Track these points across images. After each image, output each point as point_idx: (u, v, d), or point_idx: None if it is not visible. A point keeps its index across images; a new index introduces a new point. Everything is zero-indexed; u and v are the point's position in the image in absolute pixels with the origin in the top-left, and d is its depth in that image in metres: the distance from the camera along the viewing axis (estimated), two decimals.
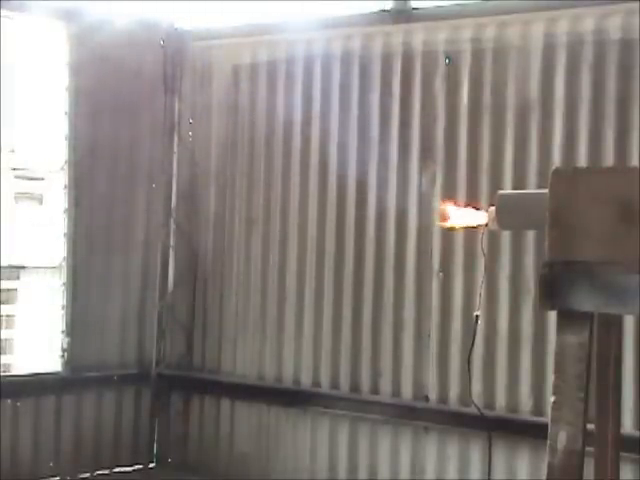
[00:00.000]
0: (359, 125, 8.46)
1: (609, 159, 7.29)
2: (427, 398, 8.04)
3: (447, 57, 8.04)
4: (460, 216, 4.02)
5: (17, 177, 13.85)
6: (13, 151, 13.06)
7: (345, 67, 8.57)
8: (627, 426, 6.83)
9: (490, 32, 7.88)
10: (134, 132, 9.22)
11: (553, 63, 7.59)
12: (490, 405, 7.63)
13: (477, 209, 3.96)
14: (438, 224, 4.10)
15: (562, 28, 7.55)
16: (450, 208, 4.03)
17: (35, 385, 8.65)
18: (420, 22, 8.23)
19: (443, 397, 7.95)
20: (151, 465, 9.38)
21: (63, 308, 8.82)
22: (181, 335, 9.51)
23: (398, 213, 8.18)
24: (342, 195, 8.51)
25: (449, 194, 7.86)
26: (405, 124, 8.23)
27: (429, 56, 8.14)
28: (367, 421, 8.31)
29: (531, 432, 7.27)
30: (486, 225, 3.85)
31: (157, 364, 9.44)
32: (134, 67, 9.07)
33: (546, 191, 3.10)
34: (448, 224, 4.07)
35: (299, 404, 8.67)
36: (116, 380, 9.10)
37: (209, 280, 9.37)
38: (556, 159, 7.50)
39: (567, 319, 2.99)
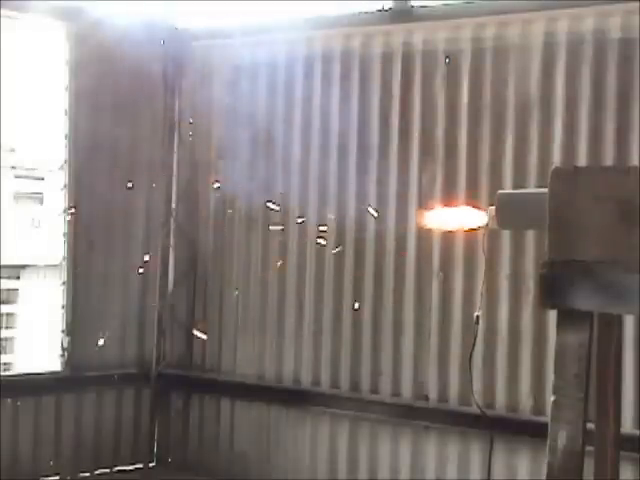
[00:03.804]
0: (359, 125, 8.46)
1: (609, 158, 7.28)
2: (427, 398, 8.03)
3: (447, 57, 8.04)
4: (456, 218, 4.00)
5: (17, 177, 13.86)
6: (13, 150, 13.07)
7: (345, 67, 8.57)
8: (627, 426, 6.82)
9: (490, 32, 7.88)
10: (134, 131, 9.21)
11: (553, 62, 7.59)
12: (490, 405, 7.63)
13: (474, 208, 3.94)
14: (432, 226, 4.06)
15: (562, 28, 7.55)
16: (437, 212, 4.01)
17: (35, 384, 8.65)
18: (420, 22, 8.23)
19: (443, 397, 7.94)
20: (151, 465, 9.37)
21: (63, 307, 8.82)
22: (181, 335, 9.51)
23: (398, 213, 8.18)
24: (342, 195, 8.51)
25: (449, 194, 7.86)
26: (405, 124, 8.23)
27: (429, 56, 8.13)
28: (367, 421, 8.31)
29: (531, 432, 7.27)
30: (486, 225, 3.84)
31: (157, 364, 9.43)
32: (134, 67, 9.06)
33: (546, 191, 3.10)
34: (447, 227, 4.05)
35: (299, 404, 8.66)
36: (116, 380, 9.10)
37: (209, 280, 9.37)
38: (556, 158, 7.49)
39: (567, 319, 2.99)
